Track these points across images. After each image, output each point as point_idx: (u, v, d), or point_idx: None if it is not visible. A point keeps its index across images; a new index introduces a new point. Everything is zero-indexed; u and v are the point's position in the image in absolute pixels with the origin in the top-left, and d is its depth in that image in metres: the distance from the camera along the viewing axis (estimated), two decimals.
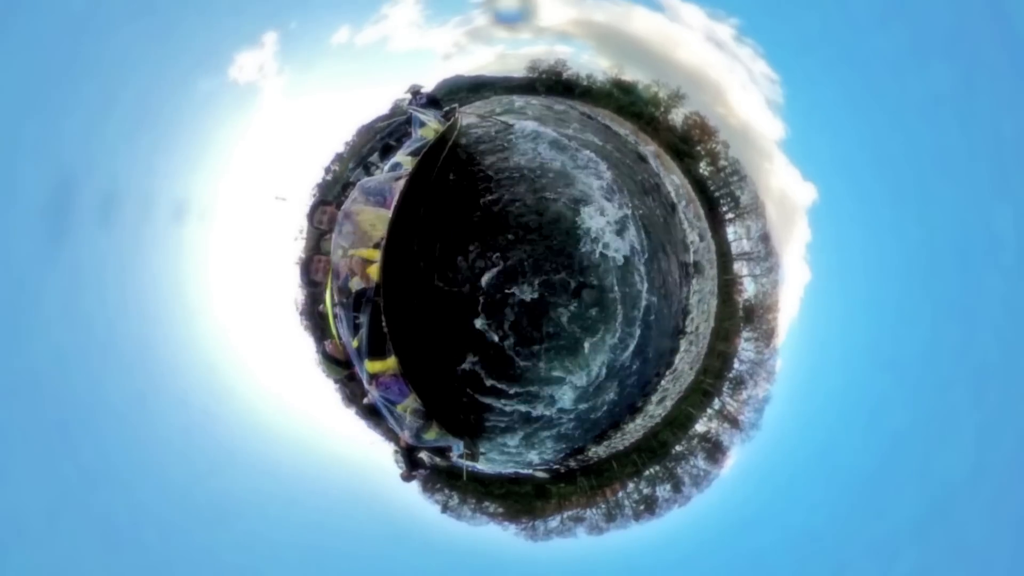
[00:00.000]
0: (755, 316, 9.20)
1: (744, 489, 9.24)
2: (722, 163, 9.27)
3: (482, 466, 8.74)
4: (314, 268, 6.68)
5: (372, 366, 5.89)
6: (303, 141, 9.29)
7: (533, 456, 8.72)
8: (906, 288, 9.67)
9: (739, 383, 9.14)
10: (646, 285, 8.17)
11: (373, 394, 5.99)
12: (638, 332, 8.13)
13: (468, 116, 8.72)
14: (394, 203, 5.79)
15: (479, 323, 7.64)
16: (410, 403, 6.05)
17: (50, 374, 9.52)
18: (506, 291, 7.66)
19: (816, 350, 9.32)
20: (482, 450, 8.29)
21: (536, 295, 7.67)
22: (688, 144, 9.34)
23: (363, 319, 5.79)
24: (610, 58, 9.56)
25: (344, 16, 9.46)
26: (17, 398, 9.38)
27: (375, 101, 8.94)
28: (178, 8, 9.49)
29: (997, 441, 9.54)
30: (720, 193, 9.32)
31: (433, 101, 7.85)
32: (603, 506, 9.08)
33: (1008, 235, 9.27)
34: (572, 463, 9.08)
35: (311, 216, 6.89)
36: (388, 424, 6.37)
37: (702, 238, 9.29)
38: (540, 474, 9.16)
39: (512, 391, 7.96)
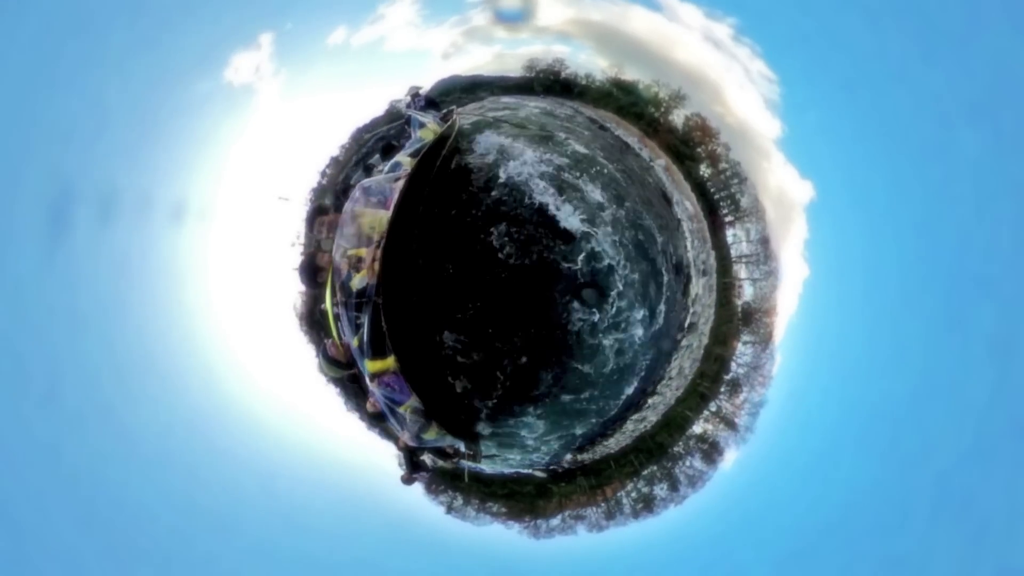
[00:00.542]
0: (753, 319, 9.22)
1: (741, 488, 9.28)
2: (722, 165, 9.27)
3: (485, 466, 8.75)
4: (318, 259, 6.65)
5: (373, 365, 5.90)
6: (300, 142, 9.27)
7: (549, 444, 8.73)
8: (903, 283, 9.72)
9: (735, 386, 9.17)
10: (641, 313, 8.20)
11: (376, 393, 5.99)
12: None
13: (466, 117, 8.70)
14: (394, 203, 5.81)
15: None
16: (411, 403, 6.06)
17: (49, 374, 9.51)
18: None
19: (814, 345, 9.36)
20: (489, 452, 8.30)
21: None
22: (689, 146, 9.33)
23: (364, 319, 5.80)
24: (608, 57, 9.55)
25: (340, 16, 9.46)
26: (16, 398, 9.37)
27: (372, 101, 8.93)
28: (174, 10, 9.47)
29: (997, 441, 9.58)
30: (720, 196, 9.33)
31: (432, 103, 7.87)
32: (603, 505, 9.11)
33: (1005, 231, 9.32)
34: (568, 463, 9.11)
35: (310, 223, 6.89)
36: (390, 425, 6.38)
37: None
38: (539, 474, 9.18)
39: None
